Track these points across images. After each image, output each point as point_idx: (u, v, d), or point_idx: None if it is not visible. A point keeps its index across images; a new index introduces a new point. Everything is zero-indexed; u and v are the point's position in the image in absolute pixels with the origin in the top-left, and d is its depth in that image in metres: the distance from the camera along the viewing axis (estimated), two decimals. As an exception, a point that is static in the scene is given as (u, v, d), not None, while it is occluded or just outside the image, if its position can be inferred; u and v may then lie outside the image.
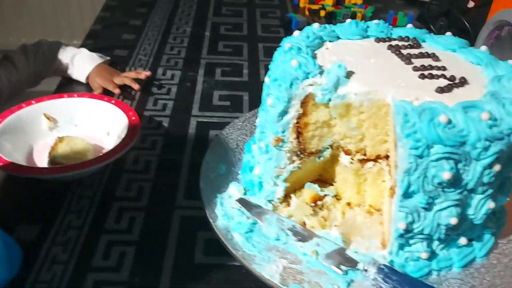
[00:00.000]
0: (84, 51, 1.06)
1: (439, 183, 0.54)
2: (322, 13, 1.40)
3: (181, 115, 0.97)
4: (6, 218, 0.70)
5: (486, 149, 0.53)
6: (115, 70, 1.07)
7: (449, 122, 0.52)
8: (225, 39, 1.31)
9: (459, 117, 0.53)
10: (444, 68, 0.65)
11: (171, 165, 0.82)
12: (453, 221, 0.56)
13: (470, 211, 0.58)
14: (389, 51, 0.69)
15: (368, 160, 0.67)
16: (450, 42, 0.71)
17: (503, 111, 0.54)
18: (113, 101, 0.86)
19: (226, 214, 0.66)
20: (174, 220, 0.70)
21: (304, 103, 0.63)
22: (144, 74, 1.05)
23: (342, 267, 0.60)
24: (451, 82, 0.61)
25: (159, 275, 0.62)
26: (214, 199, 0.69)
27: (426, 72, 0.63)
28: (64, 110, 0.86)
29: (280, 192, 0.68)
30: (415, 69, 0.65)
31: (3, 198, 0.75)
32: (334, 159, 0.70)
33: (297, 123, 0.64)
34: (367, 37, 0.74)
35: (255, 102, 0.78)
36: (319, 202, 0.69)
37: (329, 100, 0.62)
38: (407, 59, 0.67)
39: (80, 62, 1.03)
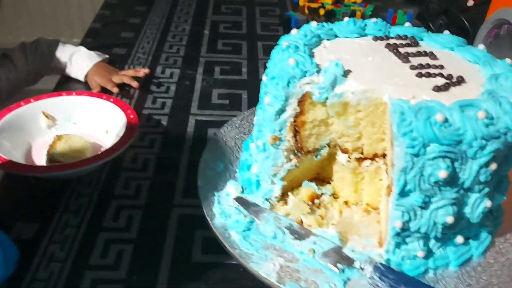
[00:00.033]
0: (83, 49, 1.06)
1: (436, 182, 0.54)
2: (322, 11, 1.40)
3: (180, 113, 0.97)
4: (4, 216, 0.70)
5: (482, 148, 0.53)
6: (114, 68, 1.07)
7: (446, 120, 0.52)
8: (224, 38, 1.31)
9: (456, 116, 0.53)
10: (441, 67, 0.65)
11: (170, 164, 0.82)
12: (450, 219, 0.56)
13: (467, 210, 0.58)
14: (387, 49, 0.69)
15: (365, 158, 0.67)
16: (448, 40, 0.71)
17: (500, 110, 0.54)
18: (111, 99, 0.86)
19: (223, 212, 0.66)
20: (172, 218, 0.71)
21: (301, 102, 0.63)
22: (142, 71, 1.05)
23: (339, 265, 0.60)
24: (448, 81, 0.61)
25: (156, 274, 0.62)
26: (212, 198, 0.69)
27: (423, 71, 0.63)
28: (63, 108, 0.86)
29: (277, 191, 0.68)
30: (413, 67, 0.65)
31: (1, 196, 0.75)
32: (331, 157, 0.70)
33: (295, 121, 0.64)
34: (365, 35, 0.74)
35: (254, 100, 0.78)
36: (316, 201, 0.69)
37: (326, 98, 0.62)
38: (405, 57, 0.66)
39: (79, 60, 1.03)
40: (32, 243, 0.66)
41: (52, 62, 1.04)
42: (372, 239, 0.64)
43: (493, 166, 0.55)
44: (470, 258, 0.62)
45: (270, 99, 0.63)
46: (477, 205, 0.57)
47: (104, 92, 0.99)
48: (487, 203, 0.58)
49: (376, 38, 0.73)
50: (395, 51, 0.68)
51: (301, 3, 1.48)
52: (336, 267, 0.60)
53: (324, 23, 0.73)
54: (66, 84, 1.05)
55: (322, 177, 0.73)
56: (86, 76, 1.03)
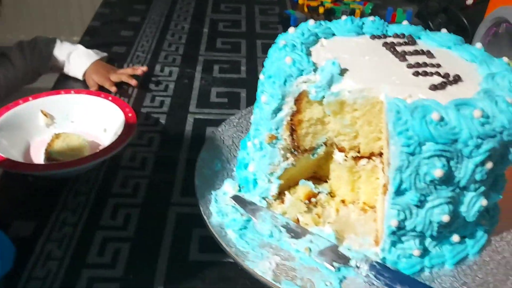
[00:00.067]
0: (81, 48, 1.06)
1: (431, 181, 0.54)
2: (321, 9, 1.39)
3: (178, 112, 0.97)
4: (2, 214, 0.70)
5: (478, 146, 0.53)
6: (112, 67, 1.07)
7: (441, 119, 0.52)
8: (223, 36, 1.31)
9: (452, 115, 0.53)
10: (438, 65, 0.65)
11: (168, 162, 0.82)
12: (445, 218, 0.56)
13: (463, 209, 0.58)
14: (384, 48, 0.69)
15: (362, 157, 0.67)
16: (445, 39, 0.71)
17: (496, 109, 0.54)
18: (110, 98, 0.86)
19: (220, 211, 0.66)
20: (169, 217, 0.71)
21: (298, 101, 0.63)
22: (140, 69, 1.05)
23: (335, 264, 0.60)
24: (445, 80, 0.61)
25: (153, 272, 0.62)
26: (209, 196, 0.69)
27: (420, 70, 0.63)
28: (61, 107, 0.86)
29: (274, 189, 0.68)
30: (410, 66, 0.65)
31: (-1, 194, 0.76)
32: (328, 156, 0.70)
33: (291, 120, 0.64)
34: (363, 34, 0.74)
35: (253, 99, 0.78)
36: (313, 199, 0.69)
37: (323, 97, 0.62)
38: (402, 56, 0.66)
39: (77, 59, 1.03)
40: (29, 241, 0.66)
41: (50, 61, 1.04)
42: (368, 237, 0.64)
43: (489, 165, 0.55)
44: (466, 257, 0.62)
45: (266, 98, 0.63)
46: (472, 204, 0.57)
47: (102, 90, 0.99)
48: (483, 202, 0.58)
49: (373, 37, 0.73)
50: (392, 49, 0.68)
51: (300, 1, 1.48)
52: (332, 265, 0.60)
53: (322, 22, 0.73)
54: (64, 82, 1.05)
55: (319, 176, 0.73)
56: (84, 75, 1.03)
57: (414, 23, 1.27)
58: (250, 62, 1.18)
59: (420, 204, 0.56)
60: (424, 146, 0.53)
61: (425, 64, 0.65)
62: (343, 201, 0.70)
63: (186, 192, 0.75)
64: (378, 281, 0.58)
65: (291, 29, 0.71)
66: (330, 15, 1.40)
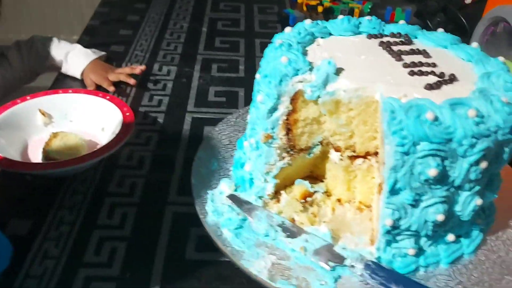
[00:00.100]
0: (78, 47, 1.06)
1: (426, 180, 0.54)
2: (320, 8, 1.39)
3: (176, 111, 0.97)
4: (-1, 212, 0.71)
5: (472, 146, 0.53)
6: (110, 66, 1.07)
7: (436, 119, 0.52)
8: (222, 35, 1.31)
9: (446, 114, 0.53)
10: (434, 65, 0.65)
11: (165, 161, 0.82)
12: (440, 217, 0.56)
13: (457, 208, 0.58)
14: (380, 47, 0.69)
15: (357, 156, 0.67)
16: (442, 38, 0.71)
17: (491, 108, 0.54)
18: (108, 97, 0.86)
19: (216, 210, 0.66)
20: (166, 216, 0.71)
21: (293, 100, 0.63)
22: (139, 68, 1.05)
23: (330, 263, 0.60)
24: (440, 79, 0.61)
25: (150, 271, 0.62)
26: (205, 196, 0.69)
27: (416, 69, 0.63)
28: (59, 106, 0.86)
29: (270, 189, 0.68)
30: (405, 65, 0.65)
31: (-4, 193, 0.76)
32: (324, 155, 0.70)
33: (287, 119, 0.64)
34: (359, 33, 0.74)
35: (251, 98, 0.78)
36: (309, 199, 0.69)
37: (318, 97, 0.62)
38: (398, 55, 0.66)
39: (74, 58, 1.04)
40: (26, 240, 0.66)
41: (47, 61, 1.04)
42: (364, 236, 0.64)
43: (484, 165, 0.55)
44: (461, 256, 0.62)
45: (262, 97, 0.63)
46: (467, 203, 0.57)
47: (100, 90, 0.99)
48: (478, 201, 0.58)
49: (370, 36, 0.73)
50: (388, 49, 0.68)
51: (299, 0, 1.48)
52: (327, 265, 0.60)
53: (318, 21, 0.73)
54: (63, 81, 1.05)
55: (315, 175, 0.73)
56: (82, 74, 1.03)
57: (413, 22, 1.28)
58: (249, 61, 1.18)
59: (415, 204, 0.56)
60: (418, 145, 0.53)
61: (421, 64, 0.65)
62: (339, 200, 0.70)
63: (183, 191, 0.75)
64: (373, 280, 0.58)
65: (288, 29, 0.71)
66: (329, 14, 1.40)
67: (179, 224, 0.69)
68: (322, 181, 0.73)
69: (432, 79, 0.62)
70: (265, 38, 1.29)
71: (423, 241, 0.60)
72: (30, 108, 0.84)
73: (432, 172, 0.53)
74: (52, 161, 0.74)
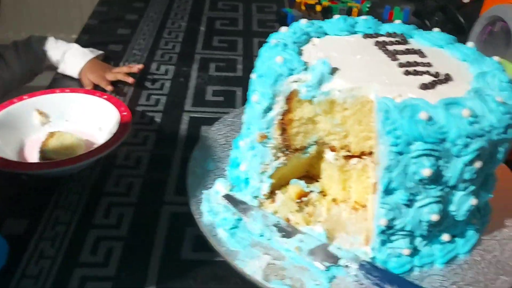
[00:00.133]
0: (76, 46, 1.06)
1: (420, 180, 0.54)
2: (318, 8, 1.39)
3: (174, 110, 0.97)
4: (-5, 212, 0.71)
5: (466, 146, 0.53)
6: (108, 65, 1.07)
7: (430, 119, 0.52)
8: (220, 34, 1.31)
9: (440, 114, 0.53)
10: (429, 65, 0.65)
11: (163, 161, 0.82)
12: (435, 217, 0.56)
13: (452, 208, 0.58)
14: (376, 47, 0.69)
15: (352, 156, 0.67)
16: (438, 38, 0.71)
17: (485, 108, 0.54)
18: (105, 96, 0.86)
19: (211, 210, 0.66)
20: (163, 216, 0.71)
21: (288, 100, 0.63)
22: (136, 67, 1.05)
23: (325, 263, 0.60)
24: (435, 79, 0.61)
25: (146, 271, 0.62)
26: (201, 195, 0.69)
27: (411, 69, 0.63)
28: (56, 105, 0.86)
29: (265, 188, 0.68)
30: (401, 65, 0.64)
31: (-8, 192, 0.76)
32: (319, 155, 0.70)
33: (282, 119, 0.64)
34: (355, 33, 0.74)
35: (249, 97, 0.80)
36: (304, 199, 0.69)
37: (313, 96, 0.62)
38: (393, 55, 0.66)
39: (71, 58, 1.03)
40: (22, 239, 0.66)
41: (45, 61, 1.04)
42: (359, 236, 0.64)
43: (478, 164, 0.55)
44: (457, 256, 0.62)
45: (257, 97, 0.63)
46: (462, 203, 0.57)
47: (97, 89, 0.99)
48: (473, 201, 0.58)
49: (366, 36, 0.72)
50: (384, 48, 0.68)
51: (298, -1, 1.48)
52: (322, 265, 0.60)
53: (314, 21, 0.73)
54: (60, 81, 1.05)
55: (311, 175, 0.73)
56: (79, 74, 1.03)
57: (412, 21, 1.28)
58: (247, 61, 1.18)
59: (409, 204, 0.56)
60: (412, 145, 0.53)
61: (416, 63, 0.65)
62: (334, 200, 0.70)
63: (180, 191, 0.75)
64: (367, 280, 0.58)
65: (283, 28, 0.71)
66: (327, 13, 1.40)
67: (175, 224, 0.69)
68: (318, 181, 0.72)
69: (427, 78, 0.62)
70: (263, 37, 1.27)
71: (418, 241, 0.60)
72: (27, 108, 0.84)
73: (426, 172, 0.53)
74: (48, 161, 0.75)
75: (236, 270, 0.60)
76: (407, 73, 0.63)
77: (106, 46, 1.18)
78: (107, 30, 1.30)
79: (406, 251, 0.60)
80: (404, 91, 0.58)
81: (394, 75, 0.63)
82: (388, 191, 0.56)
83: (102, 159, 0.78)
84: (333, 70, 0.62)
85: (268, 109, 0.63)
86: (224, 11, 1.47)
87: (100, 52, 1.10)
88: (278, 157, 0.67)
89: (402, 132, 0.52)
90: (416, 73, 0.63)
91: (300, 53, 0.66)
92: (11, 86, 1.02)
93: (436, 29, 0.74)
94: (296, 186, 0.70)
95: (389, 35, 0.72)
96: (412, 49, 0.68)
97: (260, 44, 1.24)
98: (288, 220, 0.66)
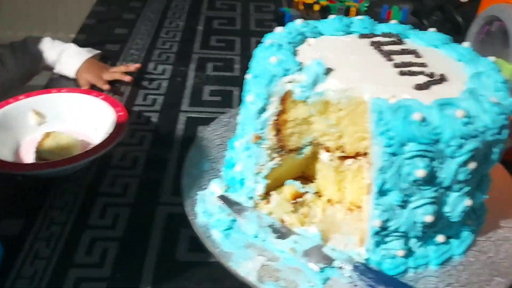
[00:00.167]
0: (72, 46, 1.06)
1: (414, 181, 0.54)
2: (316, 7, 1.39)
3: (170, 110, 0.97)
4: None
5: (460, 146, 0.53)
6: (105, 65, 1.07)
7: (424, 119, 0.52)
8: (218, 34, 1.31)
9: (434, 115, 0.53)
10: (424, 65, 0.64)
11: (159, 161, 0.82)
12: (429, 218, 0.56)
13: (447, 209, 0.58)
14: (371, 47, 0.69)
15: (347, 157, 0.67)
16: (433, 38, 0.71)
17: (480, 109, 0.54)
18: (101, 96, 0.86)
19: (206, 211, 0.66)
20: (159, 216, 0.71)
21: (283, 100, 0.63)
22: (134, 66, 1.05)
23: (319, 264, 0.60)
24: (430, 79, 0.61)
25: (141, 272, 0.62)
26: (196, 196, 0.69)
27: (405, 69, 0.63)
28: (52, 105, 0.86)
29: (260, 189, 0.68)
30: (396, 66, 0.64)
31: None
32: (314, 156, 0.69)
33: (277, 120, 0.64)
34: (351, 33, 0.73)
35: (244, 98, 0.79)
36: (299, 199, 0.69)
37: (307, 97, 0.62)
38: (388, 55, 0.66)
39: (68, 58, 1.03)
40: (17, 240, 0.66)
41: (41, 61, 1.04)
42: (354, 237, 0.64)
43: (472, 165, 0.54)
44: (451, 257, 0.62)
45: (252, 98, 0.63)
46: (457, 204, 0.57)
47: (94, 89, 0.99)
48: (468, 202, 0.57)
49: (361, 36, 0.72)
50: (379, 49, 0.68)
51: (295, -1, 1.48)
52: (317, 266, 0.60)
53: (309, 21, 0.73)
54: (57, 81, 1.05)
55: (306, 176, 0.73)
56: (76, 74, 1.03)
57: (410, 20, 1.27)
58: (244, 60, 1.17)
59: (403, 205, 0.56)
60: (406, 146, 0.52)
61: (411, 64, 0.64)
62: (329, 201, 0.70)
63: (176, 191, 0.74)
64: (361, 281, 0.58)
65: (278, 29, 0.71)
66: (325, 12, 1.39)
67: (171, 224, 0.69)
68: (313, 182, 0.72)
69: (422, 79, 0.61)
70: (261, 37, 1.27)
71: (412, 242, 0.60)
72: (23, 108, 0.84)
73: (420, 173, 0.53)
74: (43, 162, 0.74)
75: (231, 271, 0.60)
76: (402, 73, 0.62)
77: (104, 46, 1.18)
78: (105, 30, 1.30)
79: (401, 252, 0.60)
80: (398, 92, 0.58)
81: (388, 75, 0.63)
82: (382, 192, 0.56)
83: (98, 160, 0.77)
84: (328, 71, 0.62)
85: (263, 109, 0.63)
86: (222, 10, 1.47)
87: (97, 51, 1.10)
88: (273, 158, 0.67)
89: (396, 133, 0.52)
90: (411, 73, 0.62)
91: (295, 53, 0.66)
92: (8, 87, 1.02)
93: (431, 29, 0.73)
94: (291, 186, 0.70)
95: (384, 35, 0.72)
96: (408, 49, 0.68)
97: (258, 44, 1.24)
98: (283, 221, 0.66)
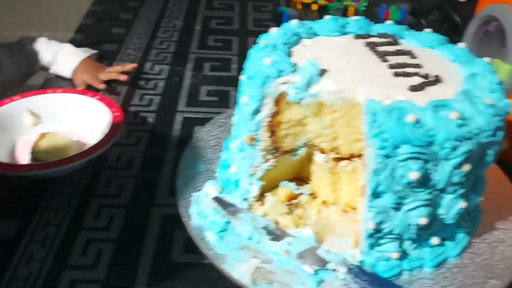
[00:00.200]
0: (68, 46, 1.05)
1: (408, 183, 0.54)
2: (315, 6, 1.39)
3: (167, 110, 0.96)
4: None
5: (454, 148, 0.52)
6: (101, 65, 1.07)
7: (418, 121, 0.52)
8: (215, 33, 1.31)
9: (428, 117, 0.52)
10: (419, 66, 0.64)
11: (155, 162, 0.82)
12: (423, 221, 0.56)
13: (441, 211, 0.57)
14: (366, 48, 0.69)
15: (342, 158, 0.66)
16: (429, 39, 0.70)
17: (474, 110, 0.54)
18: (97, 97, 0.86)
19: (201, 212, 0.66)
20: (154, 217, 0.70)
21: (277, 102, 0.63)
22: (130, 66, 1.05)
23: (313, 266, 0.59)
24: (424, 80, 0.61)
25: (136, 273, 0.62)
26: (190, 198, 0.69)
27: (400, 70, 0.63)
28: (48, 106, 0.86)
29: (255, 191, 0.68)
30: (390, 66, 0.64)
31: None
32: (309, 157, 0.69)
33: (271, 121, 0.64)
34: (346, 33, 0.73)
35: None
36: (294, 201, 0.69)
37: (301, 99, 0.61)
38: (383, 56, 0.66)
39: (64, 58, 1.03)
40: (12, 241, 0.65)
41: (38, 62, 1.03)
42: (348, 239, 0.64)
43: (467, 167, 0.54)
44: (446, 259, 0.62)
45: (246, 99, 0.63)
46: (451, 206, 0.57)
47: (90, 89, 0.99)
48: (462, 204, 0.57)
49: (357, 37, 0.72)
50: (374, 50, 0.68)
51: (293, -2, 1.48)
52: (311, 268, 0.59)
53: (305, 21, 0.73)
54: (54, 81, 1.05)
55: (302, 177, 0.73)
56: (72, 74, 1.03)
57: (408, 20, 1.27)
58: (242, 60, 1.17)
59: (397, 207, 0.56)
60: (399, 148, 0.52)
61: (406, 65, 0.64)
62: (324, 202, 0.70)
63: (172, 192, 0.74)
64: (355, 284, 0.57)
65: (273, 29, 0.70)
66: (323, 12, 1.39)
67: (166, 225, 0.69)
68: (308, 183, 0.72)
69: (417, 80, 0.61)
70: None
71: (407, 244, 0.60)
72: (18, 109, 0.84)
73: (414, 175, 0.52)
74: (38, 163, 0.74)
75: (224, 273, 0.60)
76: (397, 74, 0.62)
77: (101, 46, 1.18)
78: (102, 30, 1.30)
79: (395, 255, 0.59)
80: (393, 93, 0.58)
81: (383, 76, 0.62)
82: (375, 194, 0.55)
83: (93, 160, 0.77)
84: (322, 72, 0.62)
85: (257, 111, 0.63)
86: (219, 10, 1.46)
87: (94, 51, 1.09)
88: (268, 159, 0.67)
89: (389, 135, 0.52)
90: (405, 74, 0.62)
91: (289, 54, 0.66)
92: (5, 88, 1.01)
93: (427, 30, 0.73)
94: (286, 188, 0.70)
95: (380, 36, 0.71)
96: (403, 50, 0.67)
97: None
98: (277, 222, 0.66)
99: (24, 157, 0.79)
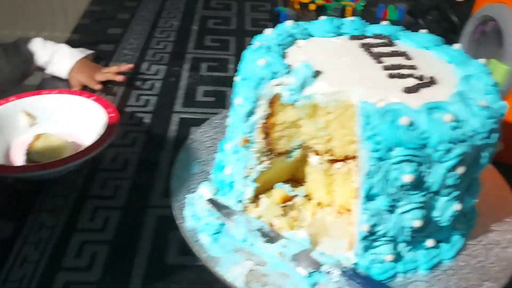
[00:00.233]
0: (64, 47, 1.05)
1: (401, 186, 0.53)
2: (312, 6, 1.39)
3: (163, 111, 0.96)
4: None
5: (448, 151, 0.52)
6: (97, 65, 1.07)
7: (411, 124, 0.52)
8: (212, 33, 1.30)
9: (422, 119, 0.52)
10: (414, 67, 0.64)
11: (151, 163, 0.81)
12: (417, 223, 0.55)
13: (435, 214, 0.57)
14: (361, 49, 0.68)
15: (337, 160, 0.66)
16: (424, 40, 0.70)
17: (469, 112, 0.54)
18: (93, 98, 0.86)
19: (195, 214, 0.66)
20: (150, 219, 0.70)
21: (271, 103, 0.62)
22: (127, 66, 1.05)
23: (307, 269, 0.59)
24: (419, 82, 0.60)
25: (130, 275, 0.62)
26: (184, 199, 0.68)
27: (395, 72, 0.62)
28: (43, 107, 0.86)
29: (249, 193, 0.67)
30: (385, 68, 0.64)
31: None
32: (304, 159, 0.69)
33: (265, 123, 0.64)
34: (341, 34, 0.73)
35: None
36: (289, 203, 0.69)
37: (295, 100, 0.61)
38: (378, 57, 0.65)
39: (60, 59, 1.03)
40: (7, 243, 0.65)
41: (34, 62, 1.03)
42: (343, 241, 0.63)
43: (461, 170, 0.54)
44: (441, 262, 0.62)
45: (240, 100, 0.63)
46: (446, 209, 0.57)
47: (86, 90, 0.98)
48: (457, 206, 0.57)
49: (352, 37, 0.72)
50: (368, 51, 0.67)
51: (291, -2, 1.47)
52: (304, 270, 0.59)
53: (300, 22, 0.72)
54: (50, 82, 1.05)
55: (297, 179, 0.73)
56: (68, 75, 1.03)
57: (406, 20, 1.27)
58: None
59: (391, 209, 0.55)
60: (393, 151, 0.52)
61: (401, 66, 0.64)
62: (319, 204, 0.70)
63: (168, 194, 0.74)
64: (349, 286, 0.57)
65: (268, 30, 0.70)
66: (321, 12, 1.39)
67: (161, 227, 0.69)
68: (303, 185, 0.72)
69: (411, 82, 0.61)
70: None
71: (401, 246, 0.59)
72: (14, 109, 0.84)
73: (407, 178, 0.52)
74: (33, 164, 0.74)
75: (218, 276, 0.59)
76: (391, 76, 0.62)
77: (98, 46, 1.18)
78: (99, 30, 1.30)
79: (389, 257, 0.59)
80: (387, 95, 0.57)
81: (378, 78, 0.62)
82: (369, 197, 0.55)
83: (88, 162, 0.77)
84: (316, 73, 0.61)
85: (251, 112, 0.62)
86: (217, 10, 1.46)
87: (90, 51, 1.09)
88: (262, 161, 0.66)
89: (383, 138, 0.51)
90: (400, 76, 0.62)
91: (284, 55, 0.65)
92: (1, 89, 1.01)
93: (423, 30, 0.73)
94: (281, 190, 0.69)
95: (375, 36, 0.71)
96: (398, 51, 0.67)
97: (253, 44, 1.24)
98: (272, 224, 0.66)
99: (19, 158, 0.79)
